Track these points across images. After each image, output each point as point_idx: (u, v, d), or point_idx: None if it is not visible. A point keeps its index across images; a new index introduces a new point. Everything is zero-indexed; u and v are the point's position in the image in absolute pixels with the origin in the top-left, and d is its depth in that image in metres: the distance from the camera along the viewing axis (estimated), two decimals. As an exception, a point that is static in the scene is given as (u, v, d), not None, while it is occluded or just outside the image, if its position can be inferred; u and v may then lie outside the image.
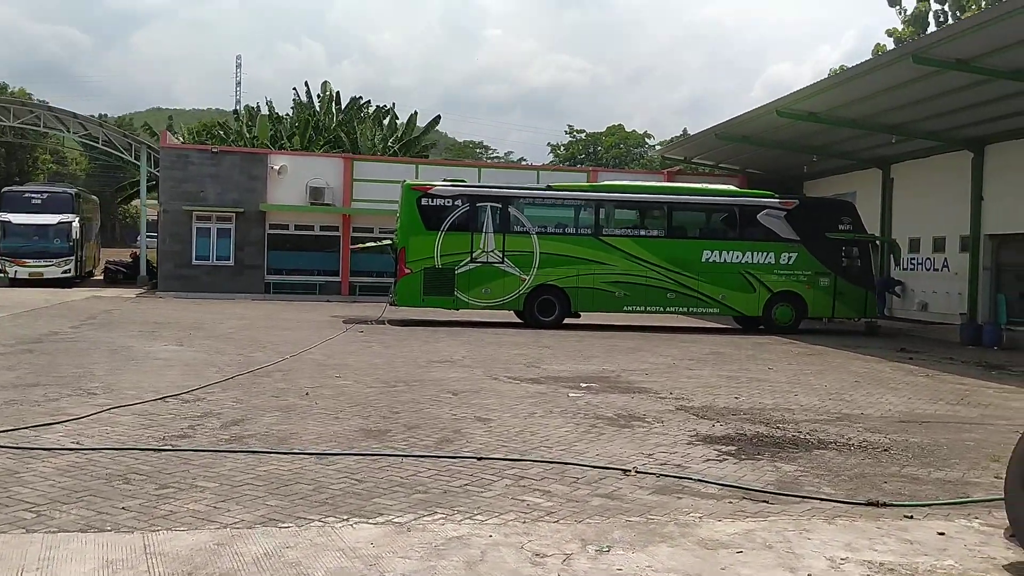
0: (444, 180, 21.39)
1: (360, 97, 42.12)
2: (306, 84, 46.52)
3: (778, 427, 8.64)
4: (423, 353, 14.38)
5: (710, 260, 21.09)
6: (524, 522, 5.18)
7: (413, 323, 20.44)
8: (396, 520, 5.12)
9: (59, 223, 31.41)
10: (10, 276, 30.59)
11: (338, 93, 41.81)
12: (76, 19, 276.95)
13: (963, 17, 35.68)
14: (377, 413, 8.66)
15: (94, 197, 42.06)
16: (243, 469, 6.22)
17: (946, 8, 40.71)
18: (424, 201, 20.34)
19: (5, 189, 34.20)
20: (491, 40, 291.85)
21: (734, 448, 7.57)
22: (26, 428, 7.32)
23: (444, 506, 5.45)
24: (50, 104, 37.80)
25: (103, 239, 52.15)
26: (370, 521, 5.09)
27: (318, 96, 41.86)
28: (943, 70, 17.43)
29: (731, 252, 21.20)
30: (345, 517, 5.14)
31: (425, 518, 5.19)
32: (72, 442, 6.93)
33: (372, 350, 14.65)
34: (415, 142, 40.69)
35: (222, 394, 9.54)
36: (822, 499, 5.93)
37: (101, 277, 36.59)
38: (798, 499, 5.92)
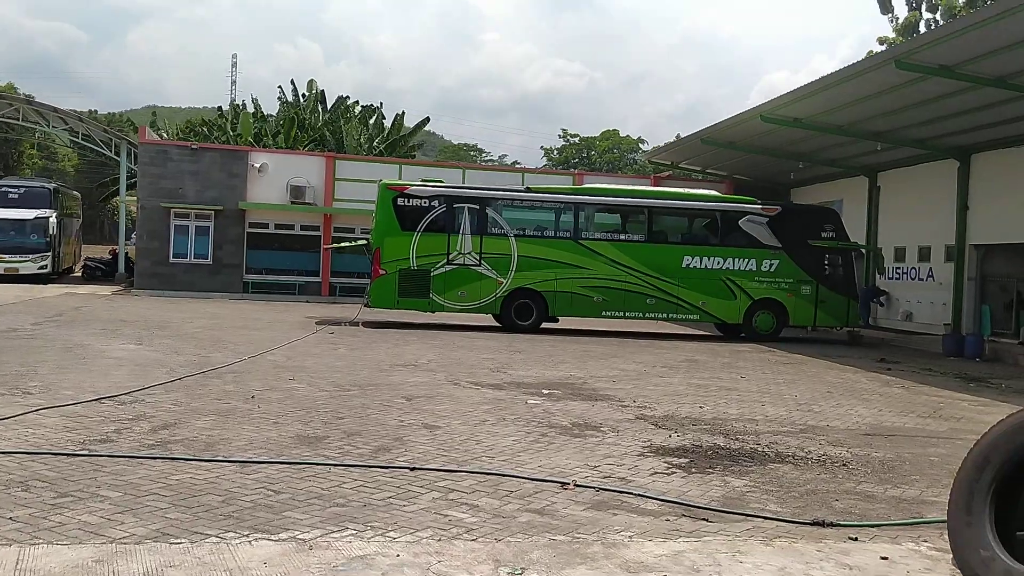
0: (422, 180, 21.06)
1: (347, 97, 41.82)
2: (292, 83, 46.19)
3: (737, 439, 8.31)
4: (389, 356, 14.03)
5: (690, 266, 20.78)
6: (439, 540, 4.83)
7: (388, 325, 20.08)
8: (301, 537, 4.76)
9: (36, 218, 30.96)
10: (-15, 272, 30.14)
11: (323, 92, 41.51)
12: (73, 16, 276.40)
13: (954, 26, 35.46)
14: (320, 419, 8.31)
15: (76, 193, 41.58)
16: (155, 477, 5.85)
17: (937, 17, 40.55)
18: (400, 201, 20.00)
19: (-18, 184, 33.79)
20: (488, 44, 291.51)
21: (686, 460, 7.24)
22: (-61, 429, 6.96)
23: (358, 521, 5.09)
24: (32, 98, 37.32)
25: (90, 236, 51.76)
26: (272, 537, 4.73)
27: (303, 95, 41.51)
28: (927, 76, 17.15)
29: (712, 258, 20.89)
30: (246, 533, 4.78)
31: (334, 534, 4.84)
32: (-16, 445, 6.56)
33: (337, 352, 14.29)
34: (402, 142, 40.34)
35: (163, 396, 9.17)
36: (766, 517, 5.59)
37: (80, 274, 36.16)
38: (740, 517, 5.58)
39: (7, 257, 30.35)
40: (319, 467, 6.36)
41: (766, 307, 21.08)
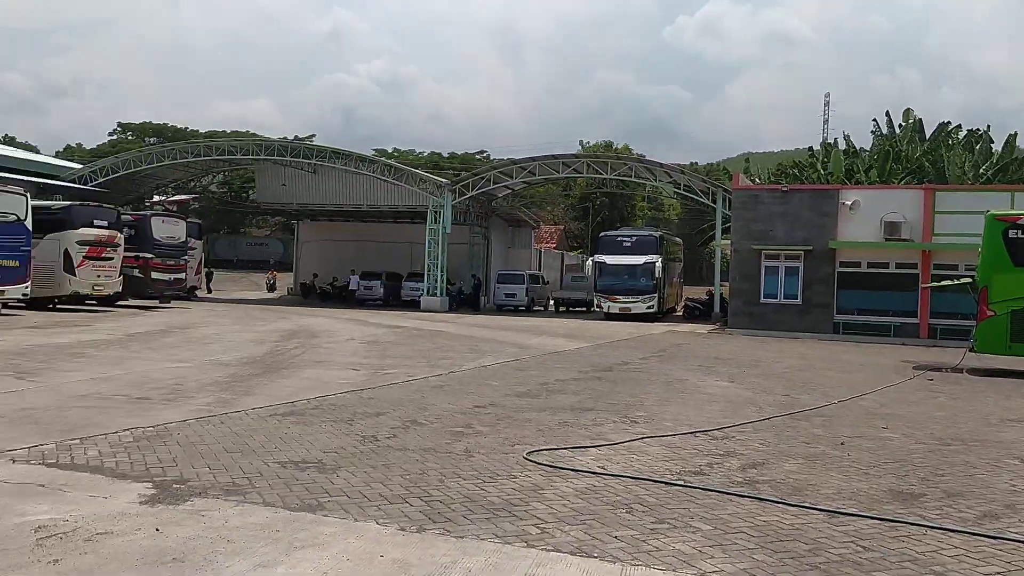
0: (1042, 208, 18.32)
1: (949, 123, 38.58)
2: (887, 114, 44.09)
3: None
4: (999, 409, 12.38)
5: None
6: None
7: (998, 373, 17.76)
8: (892, 602, 4.42)
9: (644, 263, 34.65)
10: (604, 311, 34.70)
11: (921, 120, 38.86)
12: (680, 79, 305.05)
13: None
14: (916, 474, 7.66)
15: (678, 239, 45.49)
16: (743, 515, 6.00)
17: None
18: (1012, 233, 17.62)
19: (602, 234, 39.05)
20: None
21: None
22: (565, 449, 8.12)
23: (960, 597, 4.55)
24: (643, 156, 41.99)
25: (690, 278, 56.19)
26: (859, 598, 4.47)
27: (900, 126, 39.43)
28: None
29: None
30: (833, 587, 4.61)
31: (931, 607, 4.39)
32: (598, 466, 7.45)
33: (936, 401, 13.10)
34: (1015, 166, 35.69)
35: (752, 434, 9.40)
36: None
37: (681, 313, 39.33)
38: None
39: (621, 298, 34.55)
40: (914, 527, 5.85)
41: None
